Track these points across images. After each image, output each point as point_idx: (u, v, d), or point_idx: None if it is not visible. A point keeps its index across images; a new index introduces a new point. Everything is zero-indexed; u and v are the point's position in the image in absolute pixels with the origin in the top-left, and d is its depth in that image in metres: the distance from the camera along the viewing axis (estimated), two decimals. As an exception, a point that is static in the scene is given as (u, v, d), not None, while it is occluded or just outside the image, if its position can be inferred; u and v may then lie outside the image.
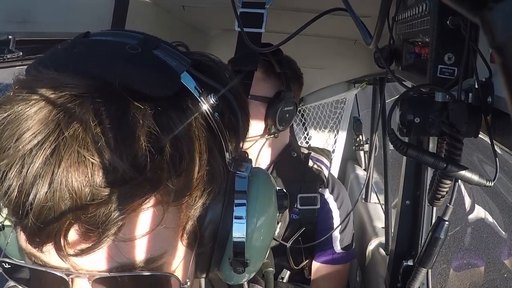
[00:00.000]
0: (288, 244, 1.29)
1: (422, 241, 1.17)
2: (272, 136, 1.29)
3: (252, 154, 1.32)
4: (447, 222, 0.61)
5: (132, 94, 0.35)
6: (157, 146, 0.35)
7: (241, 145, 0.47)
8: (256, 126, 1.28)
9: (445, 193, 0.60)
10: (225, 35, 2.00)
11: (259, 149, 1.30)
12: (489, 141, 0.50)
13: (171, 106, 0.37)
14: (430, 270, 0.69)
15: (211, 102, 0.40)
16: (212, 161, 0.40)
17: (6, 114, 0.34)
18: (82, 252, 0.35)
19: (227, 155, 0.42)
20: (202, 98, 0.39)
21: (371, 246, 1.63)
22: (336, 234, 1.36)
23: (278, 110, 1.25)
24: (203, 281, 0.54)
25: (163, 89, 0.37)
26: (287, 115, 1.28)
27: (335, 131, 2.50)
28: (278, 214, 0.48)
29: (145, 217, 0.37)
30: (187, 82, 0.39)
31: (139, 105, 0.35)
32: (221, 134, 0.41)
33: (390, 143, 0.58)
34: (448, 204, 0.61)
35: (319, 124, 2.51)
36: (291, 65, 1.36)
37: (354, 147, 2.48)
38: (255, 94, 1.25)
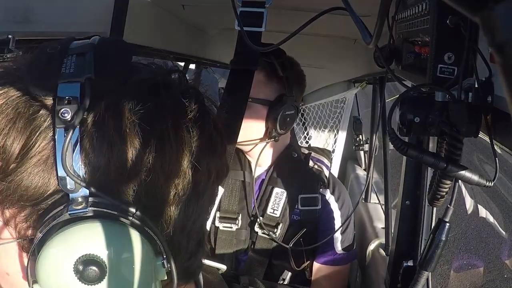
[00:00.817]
0: (289, 246, 1.29)
1: (423, 243, 1.17)
2: (273, 139, 1.29)
3: (252, 156, 1.33)
4: (448, 224, 0.61)
5: (24, 83, 0.40)
6: None
7: (109, 179, 0.39)
8: (257, 129, 1.28)
9: (445, 193, 0.60)
10: (225, 34, 2.00)
11: (259, 151, 1.29)
12: (489, 141, 0.50)
13: (33, 103, 0.39)
14: (430, 273, 0.68)
15: (61, 116, 0.37)
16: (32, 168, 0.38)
17: None
18: None
19: (59, 172, 0.37)
20: (59, 107, 0.37)
21: (371, 246, 1.63)
22: (337, 235, 1.36)
23: (279, 114, 1.24)
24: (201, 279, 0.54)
25: (36, 86, 0.39)
26: (288, 119, 1.27)
27: (335, 131, 2.50)
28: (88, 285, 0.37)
29: None
30: (61, 88, 0.38)
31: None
32: (64, 148, 0.37)
33: (390, 143, 0.58)
34: (448, 205, 0.61)
35: (319, 124, 2.51)
36: (294, 67, 1.34)
37: (354, 147, 2.48)
38: (256, 96, 1.24)
